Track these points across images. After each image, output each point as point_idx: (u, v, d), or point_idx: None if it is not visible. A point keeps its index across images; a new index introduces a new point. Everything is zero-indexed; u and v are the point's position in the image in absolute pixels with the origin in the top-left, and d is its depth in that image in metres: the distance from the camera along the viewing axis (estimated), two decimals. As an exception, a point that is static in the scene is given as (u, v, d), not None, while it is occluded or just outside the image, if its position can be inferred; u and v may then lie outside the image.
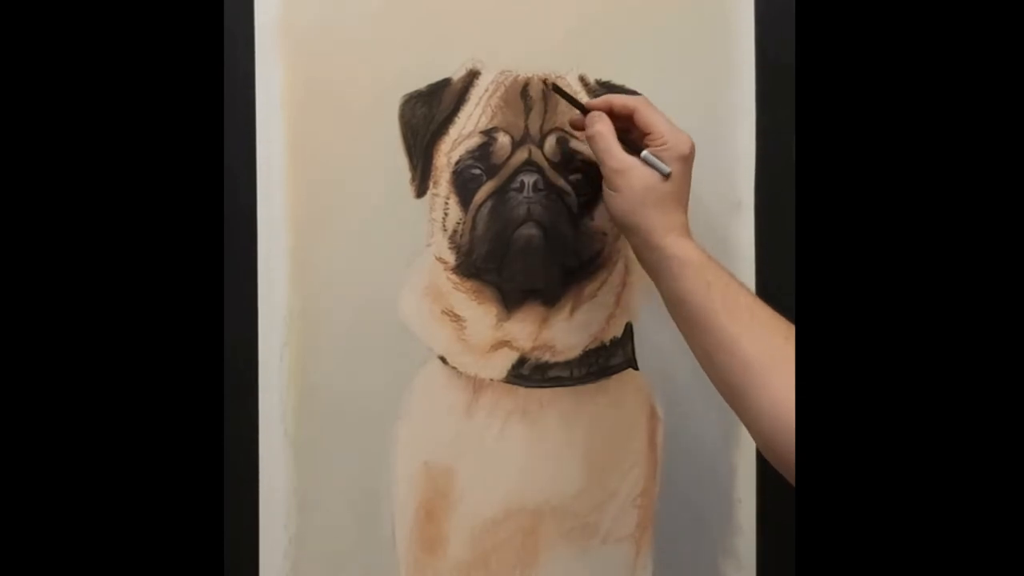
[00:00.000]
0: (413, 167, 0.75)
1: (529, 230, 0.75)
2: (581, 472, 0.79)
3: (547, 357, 0.77)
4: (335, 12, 0.73)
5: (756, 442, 0.62)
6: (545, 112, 0.76)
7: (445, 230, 0.75)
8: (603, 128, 0.68)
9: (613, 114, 0.69)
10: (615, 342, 0.78)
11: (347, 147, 0.73)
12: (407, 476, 0.76)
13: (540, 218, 0.75)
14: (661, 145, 0.67)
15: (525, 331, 0.77)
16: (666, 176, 0.66)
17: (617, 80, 0.77)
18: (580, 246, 0.76)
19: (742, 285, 0.65)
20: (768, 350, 0.61)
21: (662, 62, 0.79)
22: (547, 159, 0.76)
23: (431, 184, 0.75)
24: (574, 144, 0.76)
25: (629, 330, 0.79)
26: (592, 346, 0.78)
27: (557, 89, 0.72)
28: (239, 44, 0.71)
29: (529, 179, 0.75)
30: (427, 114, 0.74)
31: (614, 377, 0.79)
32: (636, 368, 0.79)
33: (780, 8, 0.79)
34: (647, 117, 0.68)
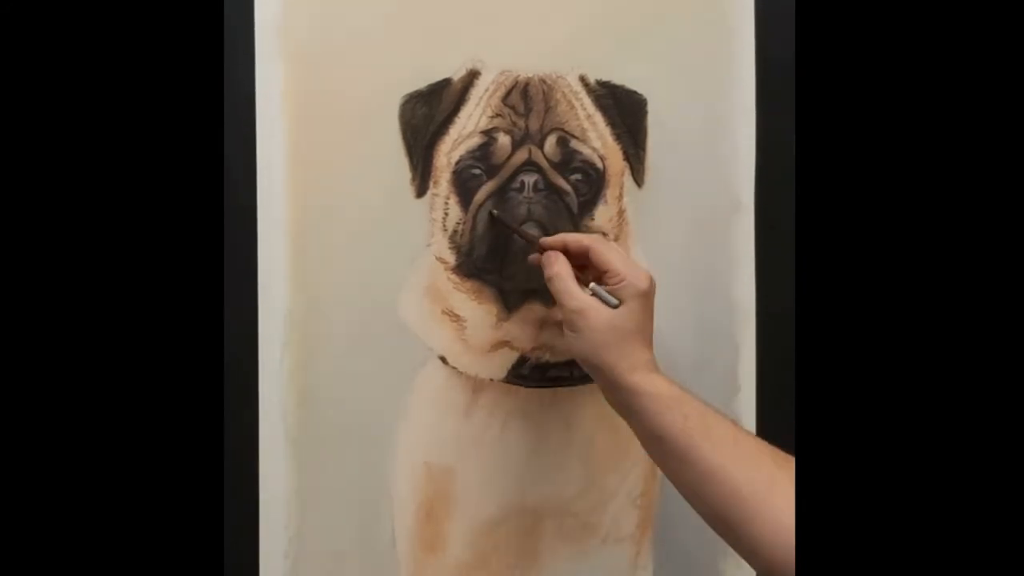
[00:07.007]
0: (413, 167, 0.75)
1: (529, 230, 0.75)
2: (581, 472, 0.79)
3: (547, 357, 0.77)
4: (335, 13, 0.73)
5: (756, 570, 0.60)
6: (545, 112, 0.76)
7: (445, 230, 0.75)
8: (560, 269, 0.67)
9: (568, 252, 0.69)
10: (615, 342, 0.78)
11: (347, 147, 0.73)
12: (407, 476, 0.75)
13: (540, 218, 0.75)
14: (619, 283, 0.66)
15: (525, 331, 0.77)
16: (614, 307, 0.65)
17: (617, 80, 0.77)
18: (580, 246, 0.76)
19: (720, 414, 0.64)
20: (759, 477, 0.58)
21: (662, 62, 0.79)
22: (547, 159, 0.76)
23: (431, 184, 0.75)
24: (574, 144, 0.76)
25: (629, 330, 0.78)
26: (592, 346, 0.78)
27: (504, 225, 0.73)
28: (239, 46, 0.70)
29: (529, 179, 0.75)
30: (427, 114, 0.74)
31: (614, 377, 0.78)
32: (636, 368, 0.78)
33: (780, 8, 0.79)
34: (602, 256, 0.67)
